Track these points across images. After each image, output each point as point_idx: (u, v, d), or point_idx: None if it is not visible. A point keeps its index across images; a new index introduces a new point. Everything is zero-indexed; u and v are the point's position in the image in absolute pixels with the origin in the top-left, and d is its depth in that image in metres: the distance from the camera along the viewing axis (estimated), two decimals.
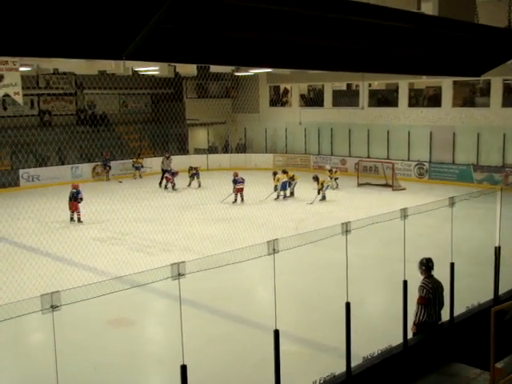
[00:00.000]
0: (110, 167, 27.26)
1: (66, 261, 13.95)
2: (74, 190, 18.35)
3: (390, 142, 27.29)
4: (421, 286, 7.86)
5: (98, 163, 27.90)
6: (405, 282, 7.60)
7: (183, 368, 5.42)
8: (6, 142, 26.41)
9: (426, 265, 7.91)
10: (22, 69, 15.13)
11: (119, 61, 18.77)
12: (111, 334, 10.05)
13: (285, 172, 22.24)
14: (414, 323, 7.85)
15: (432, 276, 7.89)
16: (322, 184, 21.15)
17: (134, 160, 28.13)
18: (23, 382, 8.71)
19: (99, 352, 9.25)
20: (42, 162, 26.74)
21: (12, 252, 14.70)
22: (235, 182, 21.11)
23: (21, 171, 25.82)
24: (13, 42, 4.14)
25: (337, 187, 23.70)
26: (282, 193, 21.55)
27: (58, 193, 22.22)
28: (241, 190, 20.99)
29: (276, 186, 21.50)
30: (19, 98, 14.54)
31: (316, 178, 21.46)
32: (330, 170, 24.35)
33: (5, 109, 27.98)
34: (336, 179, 23.80)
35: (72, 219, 18.22)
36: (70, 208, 18.25)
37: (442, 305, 8.04)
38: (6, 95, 14.40)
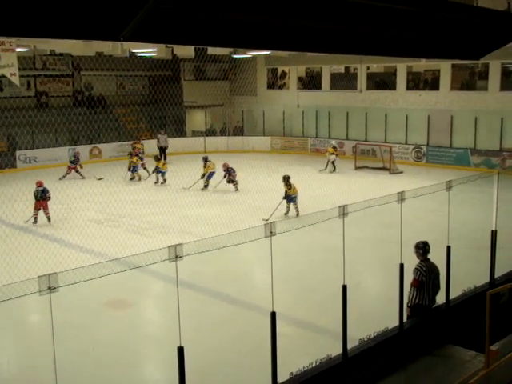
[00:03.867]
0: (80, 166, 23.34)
1: (63, 242, 13.97)
2: (40, 188, 16.10)
3: (388, 125, 27.24)
4: (415, 268, 7.91)
5: (96, 145, 27.82)
6: (401, 265, 7.64)
7: (180, 350, 5.46)
8: (3, 124, 26.31)
9: (423, 248, 7.94)
10: (18, 50, 15.04)
11: (116, 42, 18.64)
12: (109, 316, 10.10)
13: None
14: (408, 305, 7.91)
15: (428, 259, 7.93)
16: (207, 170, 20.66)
17: (131, 159, 23.20)
18: (22, 362, 8.76)
19: (97, 333, 9.31)
20: (39, 143, 26.64)
21: (9, 234, 14.72)
22: (228, 171, 20.35)
23: (18, 153, 25.74)
24: (10, 22, 4.11)
25: (334, 170, 23.74)
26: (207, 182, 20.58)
27: (56, 174, 22.22)
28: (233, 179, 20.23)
29: (204, 175, 20.61)
30: (16, 79, 14.47)
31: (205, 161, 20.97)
32: (335, 147, 24.45)
33: (1, 90, 27.84)
34: (334, 161, 23.86)
35: (36, 220, 15.83)
36: (36, 207, 15.90)
37: (437, 288, 8.08)
38: (3, 76, 14.33)
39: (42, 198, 15.90)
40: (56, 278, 4.85)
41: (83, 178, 22.43)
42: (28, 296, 4.89)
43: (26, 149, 26.15)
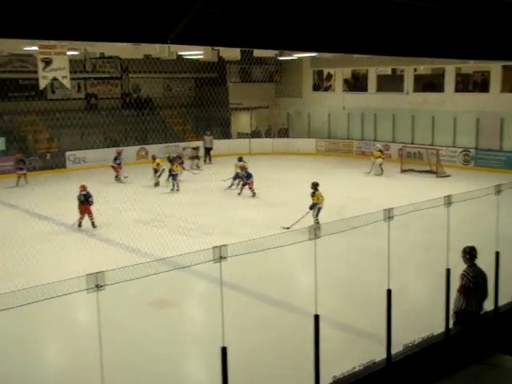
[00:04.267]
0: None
1: (110, 242, 14.23)
2: (83, 192, 16.05)
3: (435, 127, 26.78)
4: (462, 274, 7.75)
5: (143, 146, 28.27)
6: (447, 271, 7.51)
7: (223, 350, 5.49)
8: (54, 125, 26.97)
9: (470, 253, 7.78)
10: (69, 53, 15.38)
11: (164, 45, 18.88)
12: (153, 315, 10.23)
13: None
14: (454, 311, 7.76)
15: (475, 265, 7.76)
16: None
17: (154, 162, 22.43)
18: (69, 357, 8.97)
19: (141, 331, 9.44)
20: (88, 144, 27.21)
21: (59, 232, 15.08)
22: (247, 176, 20.17)
23: (67, 153, 26.36)
24: (62, 27, 4.23)
25: (381, 173, 23.51)
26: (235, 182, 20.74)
27: (104, 175, 22.66)
28: (250, 184, 20.03)
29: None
30: (67, 82, 14.81)
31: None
32: (381, 150, 24.23)
33: (53, 92, 28.53)
34: (381, 164, 23.65)
35: (80, 224, 15.84)
36: (81, 211, 15.91)
37: (484, 295, 7.90)
38: (55, 79, 14.67)
39: (84, 202, 15.79)
40: (103, 277, 4.95)
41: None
42: (76, 293, 5.00)
43: (76, 149, 26.73)
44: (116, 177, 22.64)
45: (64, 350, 9.39)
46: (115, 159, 23.06)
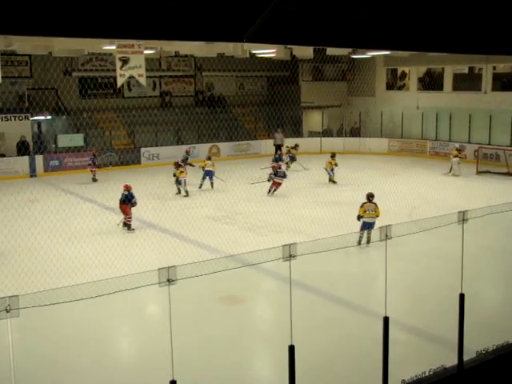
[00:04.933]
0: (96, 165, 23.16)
1: (181, 237, 14.50)
2: (126, 192, 15.64)
3: None
4: None
5: (215, 144, 28.61)
6: None
7: (291, 348, 5.51)
8: (131, 122, 27.76)
9: None
10: (146, 51, 15.73)
11: (238, 43, 19.06)
12: (222, 310, 10.36)
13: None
14: None
15: None
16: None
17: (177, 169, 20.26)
18: (140, 348, 9.22)
19: (210, 326, 9.58)
20: (163, 141, 27.84)
21: (133, 226, 15.48)
22: (276, 174, 20.15)
23: (142, 149, 27.05)
24: (142, 27, 4.36)
25: (459, 174, 22.94)
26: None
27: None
28: (278, 185, 19.92)
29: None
30: (143, 80, 15.13)
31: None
32: (459, 150, 23.64)
33: (129, 90, 29.35)
34: (458, 164, 23.10)
35: (126, 225, 15.47)
36: (123, 211, 15.55)
37: None
38: (131, 77, 15.05)
39: (125, 202, 15.43)
40: (175, 271, 5.06)
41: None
42: (148, 286, 5.14)
43: (150, 146, 27.40)
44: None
45: (135, 341, 9.66)
46: (185, 158, 22.80)
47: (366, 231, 12.50)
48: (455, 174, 23.01)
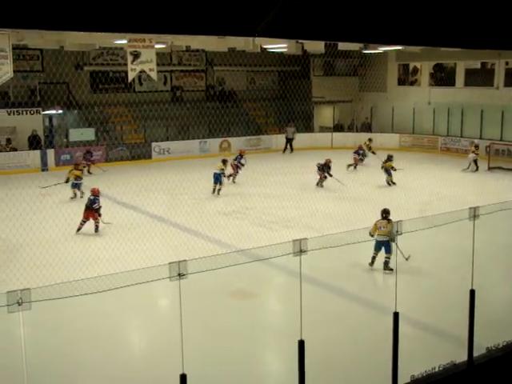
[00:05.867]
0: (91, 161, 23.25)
1: (192, 232, 14.54)
2: (92, 197, 14.59)
3: None
4: None
5: (226, 139, 28.59)
6: None
7: (301, 343, 5.52)
8: (142, 116, 27.83)
9: None
10: (157, 46, 15.76)
11: (249, 38, 19.04)
12: (232, 305, 10.39)
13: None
14: None
15: None
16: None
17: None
18: (151, 342, 9.27)
19: (220, 320, 9.61)
20: (174, 136, 27.88)
21: (144, 221, 15.55)
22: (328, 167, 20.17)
23: (153, 144, 27.10)
24: (152, 20, 4.36)
25: (476, 170, 22.85)
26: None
27: (187, 166, 23.17)
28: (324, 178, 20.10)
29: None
30: (154, 74, 15.16)
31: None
32: (477, 146, 23.55)
33: (141, 84, 29.40)
34: (475, 160, 23.01)
35: (79, 229, 14.37)
36: (85, 216, 14.44)
37: None
38: (142, 71, 15.08)
39: (89, 207, 14.40)
40: (185, 266, 5.09)
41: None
42: (159, 280, 5.17)
43: (161, 141, 27.45)
44: (230, 176, 20.86)
45: (146, 335, 9.71)
46: (236, 159, 21.50)
47: (380, 252, 11.47)
48: (472, 170, 22.95)
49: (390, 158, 20.65)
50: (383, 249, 11.34)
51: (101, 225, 14.53)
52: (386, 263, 11.30)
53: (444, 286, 10.80)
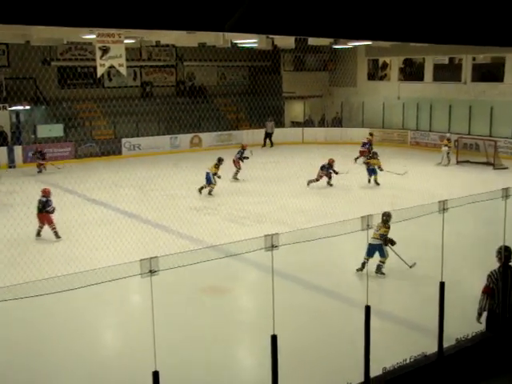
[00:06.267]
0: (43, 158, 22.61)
1: (163, 228, 14.46)
2: (44, 199, 13.61)
3: (494, 118, 26.06)
4: (488, 274, 7.49)
5: (197, 134, 28.47)
6: (504, 265, 7.33)
7: (274, 338, 5.53)
8: (111, 112, 27.55)
9: (501, 253, 7.49)
10: (126, 41, 15.62)
11: (219, 33, 18.97)
12: (205, 301, 10.37)
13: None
14: (478, 312, 7.53)
15: (509, 266, 7.44)
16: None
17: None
18: (123, 340, 9.20)
19: (193, 317, 9.59)
20: (144, 131, 27.67)
21: (115, 217, 15.41)
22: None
23: (123, 140, 26.87)
24: (119, 15, 4.30)
25: (448, 163, 23.17)
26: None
27: (158, 162, 23.02)
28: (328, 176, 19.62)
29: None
30: (123, 70, 15.05)
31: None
32: (449, 139, 23.89)
33: (110, 80, 29.10)
34: (448, 154, 23.35)
35: (39, 234, 13.69)
36: (40, 220, 13.66)
37: None
38: (111, 67, 14.93)
39: (41, 210, 13.58)
40: (157, 262, 5.04)
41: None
42: (130, 278, 5.12)
43: (131, 137, 27.22)
44: (236, 173, 20.77)
45: (117, 332, 9.64)
46: (240, 154, 21.27)
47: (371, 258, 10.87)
48: (444, 164, 23.24)
49: (375, 155, 19.97)
50: (377, 253, 10.89)
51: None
52: (379, 267, 10.91)
53: (414, 279, 10.92)
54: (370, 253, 10.79)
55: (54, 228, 13.57)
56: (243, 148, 21.46)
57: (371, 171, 19.56)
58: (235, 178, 20.54)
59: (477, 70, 28.24)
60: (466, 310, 9.24)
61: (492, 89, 26.72)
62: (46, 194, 13.64)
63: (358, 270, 10.97)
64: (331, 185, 19.36)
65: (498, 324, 7.43)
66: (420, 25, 6.25)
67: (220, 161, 18.85)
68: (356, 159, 23.34)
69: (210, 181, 18.36)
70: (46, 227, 13.67)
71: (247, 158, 21.04)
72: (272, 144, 29.21)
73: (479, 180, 19.16)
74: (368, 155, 20.76)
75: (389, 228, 10.80)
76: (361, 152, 23.42)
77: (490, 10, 5.95)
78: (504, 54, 26.09)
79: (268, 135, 29.42)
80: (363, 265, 10.83)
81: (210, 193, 18.41)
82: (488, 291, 7.44)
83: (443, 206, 6.69)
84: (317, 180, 19.23)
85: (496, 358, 7.18)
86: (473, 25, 6.48)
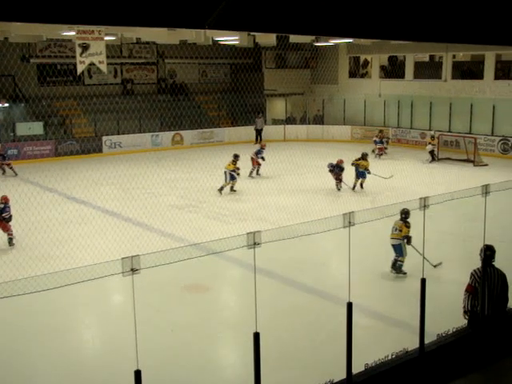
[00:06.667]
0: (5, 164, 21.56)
1: (145, 226, 14.39)
2: (2, 205, 13.08)
3: (473, 115, 26.31)
4: (472, 273, 7.53)
5: (178, 132, 28.37)
6: (483, 262, 7.39)
7: (256, 335, 5.52)
8: (91, 110, 27.34)
9: (484, 252, 7.55)
10: (106, 38, 15.47)
11: (200, 30, 18.90)
12: (187, 299, 10.33)
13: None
14: (464, 310, 7.54)
15: (492, 265, 7.49)
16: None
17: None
18: (104, 339, 9.13)
19: (175, 315, 9.55)
20: (125, 129, 27.50)
21: (96, 216, 15.31)
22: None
23: (104, 138, 26.67)
24: (99, 11, 4.25)
25: (432, 160, 23.46)
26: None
27: (140, 160, 22.90)
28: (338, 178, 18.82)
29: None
30: (103, 67, 14.90)
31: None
32: (433, 137, 24.09)
33: (90, 77, 28.87)
34: (432, 151, 23.57)
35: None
36: (1, 228, 13.18)
37: (501, 297, 7.52)
38: (92, 64, 14.80)
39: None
40: (138, 261, 5.01)
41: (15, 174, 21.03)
42: (111, 276, 5.08)
43: (112, 134, 27.04)
44: (251, 171, 20.69)
45: (99, 331, 9.57)
46: (258, 152, 21.07)
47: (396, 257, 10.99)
48: (428, 161, 23.51)
49: (364, 157, 18.68)
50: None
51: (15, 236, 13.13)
52: (395, 264, 10.93)
53: (397, 276, 10.97)
54: (396, 251, 10.92)
55: (11, 235, 13.10)
56: (262, 147, 21.25)
57: (360, 174, 18.33)
58: (253, 175, 20.59)
59: (457, 67, 28.47)
60: (447, 305, 9.33)
61: (472, 86, 26.96)
62: (3, 200, 13.22)
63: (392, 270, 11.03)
64: (339, 188, 18.34)
65: (479, 322, 7.48)
66: (401, 23, 6.28)
67: (236, 157, 18.58)
68: (379, 155, 24.14)
69: (233, 177, 18.11)
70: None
71: (263, 159, 20.70)
72: (261, 140, 28.98)
73: (460, 177, 19.31)
74: (375, 153, 20.60)
75: (409, 227, 10.72)
76: (379, 149, 24.43)
77: (469, 8, 6.00)
78: (483, 52, 26.32)
79: (258, 132, 29.42)
80: (394, 264, 10.98)
81: (232, 189, 18.12)
82: (471, 290, 7.48)
83: (424, 203, 6.73)
84: (340, 180, 18.15)
85: (476, 354, 7.25)
86: (452, 23, 6.52)
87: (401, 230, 10.77)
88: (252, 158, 20.71)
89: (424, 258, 8.02)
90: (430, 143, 23.96)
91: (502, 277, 7.51)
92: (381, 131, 26.59)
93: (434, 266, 10.87)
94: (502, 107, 25.33)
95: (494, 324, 7.47)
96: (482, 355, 7.23)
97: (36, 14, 3.91)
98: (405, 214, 10.57)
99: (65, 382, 7.74)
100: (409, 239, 10.76)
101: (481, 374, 7.12)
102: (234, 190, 18.24)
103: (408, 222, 10.66)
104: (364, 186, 18.38)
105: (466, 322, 7.40)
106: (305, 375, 7.61)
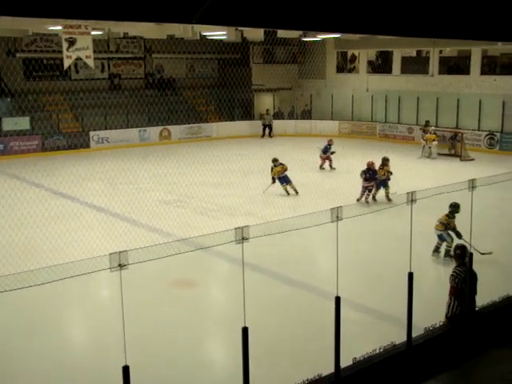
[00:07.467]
0: None
1: (132, 221, 14.34)
2: None
3: (460, 110, 26.45)
4: (452, 275, 7.55)
5: (166, 127, 28.28)
6: (471, 255, 7.46)
7: (245, 330, 5.54)
8: (78, 105, 27.17)
9: (459, 253, 7.59)
10: (93, 33, 15.39)
11: (188, 25, 18.84)
12: (175, 294, 10.32)
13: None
14: (446, 316, 7.54)
15: (465, 264, 7.57)
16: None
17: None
18: (92, 335, 9.11)
19: (163, 311, 9.54)
20: (112, 124, 27.36)
21: (83, 211, 15.22)
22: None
23: (91, 133, 26.53)
24: (86, 6, 4.23)
25: (430, 156, 23.47)
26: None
27: (127, 155, 22.80)
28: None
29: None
30: (90, 62, 14.82)
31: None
32: (436, 133, 24.16)
33: (77, 72, 28.69)
34: (429, 147, 23.60)
35: None
36: None
37: (475, 293, 7.68)
38: (78, 59, 14.71)
39: None
40: (126, 256, 5.00)
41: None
42: (99, 272, 5.07)
43: (99, 129, 26.89)
44: (321, 166, 21.03)
45: (87, 327, 9.54)
46: (326, 150, 20.87)
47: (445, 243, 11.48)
48: (426, 156, 23.57)
49: (386, 162, 16.77)
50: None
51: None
52: (447, 252, 11.28)
53: (384, 270, 11.03)
54: (441, 239, 11.49)
55: None
56: (329, 144, 21.14)
57: (381, 184, 16.44)
58: (332, 168, 20.90)
59: (444, 63, 28.59)
60: (434, 299, 9.39)
61: (458, 81, 27.10)
62: None
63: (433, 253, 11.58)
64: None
65: (458, 319, 7.51)
66: (388, 18, 6.29)
67: (275, 161, 17.54)
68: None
69: (288, 180, 17.25)
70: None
71: (334, 152, 20.76)
72: (270, 135, 29.96)
73: (447, 171, 19.43)
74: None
75: (449, 218, 11.22)
76: (321, 157, 21.62)
77: (456, 3, 6.02)
78: (470, 48, 26.45)
79: (268, 127, 30.11)
80: (437, 248, 11.56)
81: (295, 190, 17.33)
82: (455, 292, 7.49)
83: (411, 198, 6.77)
84: (372, 186, 16.41)
85: (465, 347, 7.32)
86: (439, 18, 6.55)
87: (441, 222, 11.32)
88: (320, 157, 20.92)
89: (473, 247, 7.85)
90: (434, 140, 23.79)
91: (474, 273, 7.64)
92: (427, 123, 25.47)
93: (482, 254, 10.38)
94: (488, 102, 25.49)
95: (470, 321, 7.54)
96: (472, 348, 7.30)
97: (22, 8, 3.88)
98: (451, 208, 11.13)
99: (52, 377, 7.71)
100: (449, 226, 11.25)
101: (467, 366, 7.19)
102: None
103: (451, 217, 11.18)
104: (350, 179, 18.46)
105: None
106: (293, 369, 7.63)
